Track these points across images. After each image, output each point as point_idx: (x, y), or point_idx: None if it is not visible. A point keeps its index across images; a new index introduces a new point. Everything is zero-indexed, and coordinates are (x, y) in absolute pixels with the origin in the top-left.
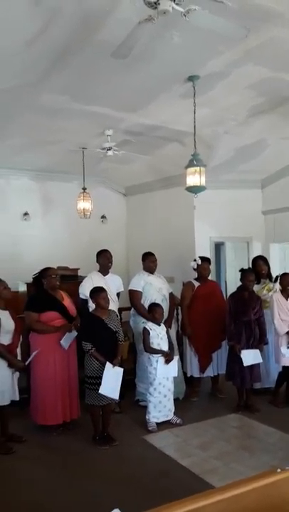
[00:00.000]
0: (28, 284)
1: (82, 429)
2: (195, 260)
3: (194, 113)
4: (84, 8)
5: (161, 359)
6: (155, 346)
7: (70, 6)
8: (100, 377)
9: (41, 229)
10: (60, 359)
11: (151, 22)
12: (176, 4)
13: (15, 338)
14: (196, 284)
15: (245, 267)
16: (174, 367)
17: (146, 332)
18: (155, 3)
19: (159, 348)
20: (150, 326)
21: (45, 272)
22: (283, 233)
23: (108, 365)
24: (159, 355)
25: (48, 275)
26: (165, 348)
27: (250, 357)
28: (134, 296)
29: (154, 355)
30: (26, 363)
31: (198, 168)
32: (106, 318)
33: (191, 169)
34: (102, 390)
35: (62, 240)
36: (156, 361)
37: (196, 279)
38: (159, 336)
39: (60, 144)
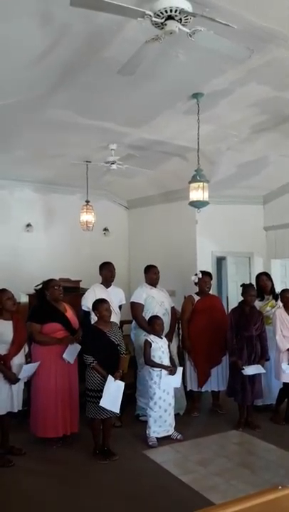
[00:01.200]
0: (29, 296)
1: (83, 442)
2: (196, 274)
3: (198, 129)
4: (92, 27)
5: (164, 372)
6: (156, 359)
7: (78, 25)
8: (101, 391)
9: (44, 241)
10: (60, 371)
11: (157, 41)
12: (183, 25)
13: (12, 349)
14: (197, 298)
15: (247, 282)
16: (177, 378)
17: (147, 344)
18: (162, 23)
19: (160, 361)
20: (152, 338)
21: (48, 284)
22: (284, 249)
23: (110, 378)
24: (160, 369)
25: (51, 286)
26: (166, 361)
27: (251, 369)
28: (135, 308)
29: (154, 368)
30: (19, 376)
31: (201, 184)
32: (108, 330)
33: (194, 184)
34: (102, 403)
35: (65, 251)
36: (157, 376)
37: (196, 293)
38: (160, 349)
39: (64, 157)
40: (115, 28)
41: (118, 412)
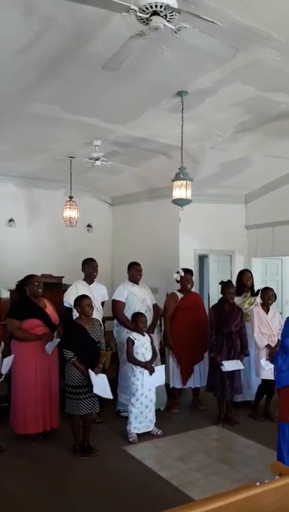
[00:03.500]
0: (11, 291)
1: (63, 438)
2: (178, 272)
3: (182, 127)
4: (76, 20)
5: (146, 371)
6: (139, 356)
7: (62, 17)
8: (80, 387)
9: (26, 236)
10: (41, 367)
11: (142, 37)
12: (168, 21)
13: None
14: (180, 295)
15: (226, 280)
16: (160, 376)
17: (130, 342)
18: (147, 19)
19: (143, 358)
20: (134, 335)
21: (28, 280)
22: (265, 248)
23: (91, 373)
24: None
25: (31, 283)
26: (149, 357)
27: (230, 365)
28: (116, 306)
29: (137, 366)
30: (2, 372)
31: (184, 182)
32: (89, 327)
33: (177, 182)
34: (96, 390)
35: (48, 247)
36: (140, 372)
37: (179, 291)
38: (143, 345)
39: (47, 152)
40: (100, 22)
41: (111, 397)
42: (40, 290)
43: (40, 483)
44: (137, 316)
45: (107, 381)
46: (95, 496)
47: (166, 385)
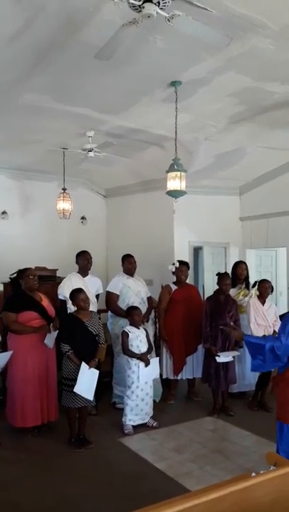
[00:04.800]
0: (4, 284)
1: (59, 431)
2: (173, 264)
3: (176, 118)
4: (68, 7)
5: (142, 364)
6: (134, 348)
7: (53, 4)
8: (76, 379)
9: (20, 228)
10: (38, 360)
11: (135, 25)
12: (161, 9)
13: None
14: (174, 287)
15: (222, 271)
16: (155, 368)
17: (125, 335)
18: (140, 6)
19: (138, 351)
20: (129, 328)
21: (23, 273)
22: (259, 239)
23: (84, 365)
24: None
25: (26, 276)
26: (144, 349)
27: (225, 356)
28: (110, 298)
29: (132, 358)
30: None
31: (178, 173)
32: (87, 320)
33: (172, 174)
34: (76, 389)
35: (41, 239)
36: (136, 365)
37: (174, 283)
38: (138, 338)
39: (40, 143)
40: (91, 10)
41: (92, 399)
42: (35, 283)
43: (36, 475)
44: (132, 310)
45: (96, 378)
46: (90, 488)
47: (161, 375)
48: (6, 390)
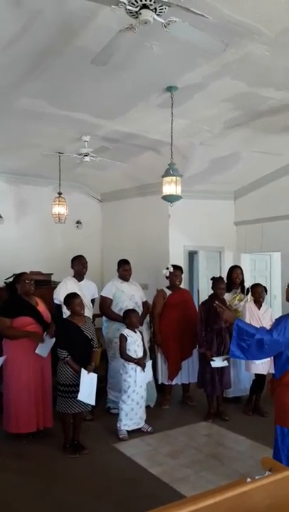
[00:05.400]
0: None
1: (53, 437)
2: (167, 268)
3: (172, 123)
4: (65, 13)
5: (139, 368)
6: (131, 353)
7: (50, 9)
8: (73, 385)
9: (15, 232)
10: (33, 365)
11: (131, 31)
12: (157, 15)
13: None
14: (168, 292)
15: (217, 276)
16: (148, 372)
17: (123, 338)
18: (136, 12)
19: (135, 355)
20: (127, 332)
21: (19, 277)
22: (254, 244)
23: (83, 371)
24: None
25: (22, 280)
26: (141, 354)
27: (219, 361)
28: (104, 302)
29: (129, 362)
30: None
31: (174, 178)
32: (82, 325)
33: (167, 178)
34: (80, 397)
35: (36, 244)
36: (132, 369)
37: (168, 287)
38: (135, 342)
39: (36, 147)
40: (88, 16)
41: (94, 403)
42: (32, 288)
43: (30, 481)
44: (130, 312)
45: (95, 381)
46: (85, 494)
47: (156, 380)
48: (2, 395)
